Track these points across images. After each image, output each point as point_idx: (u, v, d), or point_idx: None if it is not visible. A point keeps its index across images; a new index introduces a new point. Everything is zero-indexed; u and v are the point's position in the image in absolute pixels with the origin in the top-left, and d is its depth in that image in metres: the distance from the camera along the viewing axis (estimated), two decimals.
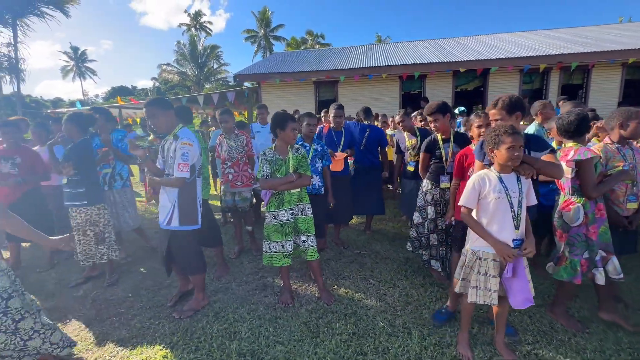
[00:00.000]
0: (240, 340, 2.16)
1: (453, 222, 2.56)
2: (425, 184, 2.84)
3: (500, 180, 1.73)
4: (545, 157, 1.84)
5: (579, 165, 2.05)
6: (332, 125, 3.63)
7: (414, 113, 4.00)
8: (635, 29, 11.42)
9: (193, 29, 35.93)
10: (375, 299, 2.60)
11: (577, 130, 2.14)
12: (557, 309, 2.28)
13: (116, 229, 3.25)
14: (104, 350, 2.15)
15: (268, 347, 2.09)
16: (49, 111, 14.79)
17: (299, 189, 2.51)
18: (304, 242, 2.56)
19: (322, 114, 5.58)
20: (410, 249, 3.02)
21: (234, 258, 3.48)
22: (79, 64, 41.77)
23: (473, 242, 1.85)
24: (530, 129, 3.16)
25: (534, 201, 1.78)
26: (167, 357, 2.05)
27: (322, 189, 2.92)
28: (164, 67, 33.59)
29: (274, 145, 2.52)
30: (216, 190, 5.95)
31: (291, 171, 2.44)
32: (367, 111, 4.22)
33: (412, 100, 10.00)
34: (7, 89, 20.48)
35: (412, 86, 10.14)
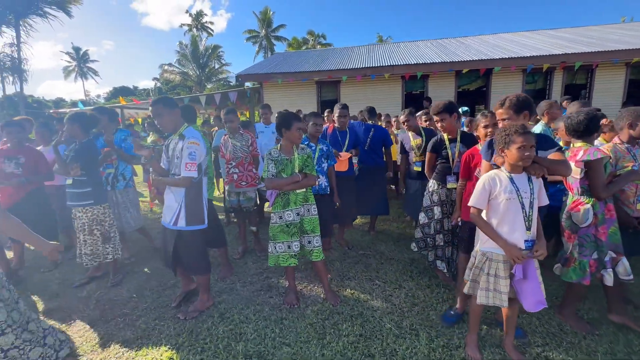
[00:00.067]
0: (247, 341, 2.14)
1: (459, 223, 2.54)
2: (432, 184, 2.81)
3: (511, 180, 1.71)
4: (552, 155, 1.82)
5: (589, 166, 2.03)
6: (336, 125, 3.61)
7: (419, 113, 3.97)
8: (639, 28, 11.36)
9: (194, 29, 35.98)
10: (382, 300, 2.58)
11: (587, 130, 2.11)
12: (566, 311, 2.25)
13: (118, 230, 3.24)
14: (109, 351, 2.13)
15: (274, 348, 2.07)
16: (51, 111, 14.83)
17: (304, 189, 2.50)
18: (309, 242, 2.54)
19: (326, 114, 5.57)
20: (416, 249, 3.00)
21: (238, 259, 3.47)
22: (80, 64, 41.86)
23: (483, 243, 1.83)
24: (537, 129, 3.13)
25: (545, 201, 1.76)
26: (173, 359, 2.03)
27: (328, 189, 2.90)
28: (166, 67, 33.66)
29: (279, 145, 2.51)
30: (219, 190, 5.94)
31: (297, 171, 2.43)
32: (371, 111, 4.21)
33: (414, 100, 9.97)
34: (10, 89, 20.55)
35: (414, 86, 10.11)
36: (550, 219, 2.48)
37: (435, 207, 2.78)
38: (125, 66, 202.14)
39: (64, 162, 2.78)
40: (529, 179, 1.73)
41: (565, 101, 5.55)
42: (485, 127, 2.37)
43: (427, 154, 2.87)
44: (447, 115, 2.66)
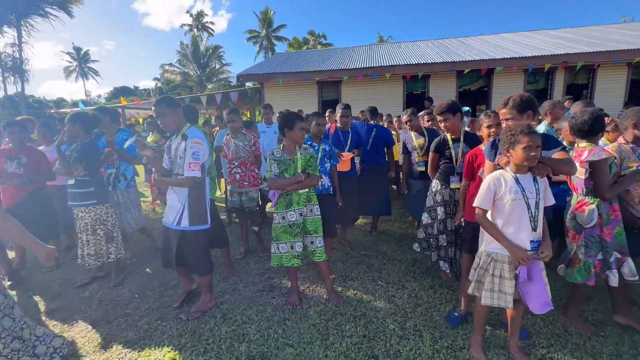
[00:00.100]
0: (249, 342, 2.13)
1: (463, 223, 2.53)
2: (435, 184, 2.80)
3: (517, 180, 1.70)
4: (556, 154, 1.81)
5: (593, 166, 2.02)
6: (338, 125, 3.60)
7: (421, 113, 3.96)
8: None
9: (195, 30, 35.99)
10: (385, 301, 2.57)
11: (591, 129, 2.10)
12: (570, 312, 2.24)
13: (119, 230, 3.23)
14: (112, 352, 2.13)
15: (277, 349, 2.06)
16: (52, 111, 14.83)
17: (307, 189, 2.49)
18: (312, 243, 2.53)
19: (327, 114, 5.56)
20: (418, 249, 2.99)
21: (239, 259, 3.46)
22: (81, 64, 41.90)
23: (488, 244, 1.82)
24: (540, 129, 3.12)
25: (551, 201, 1.74)
26: None
27: (331, 189, 2.90)
28: (166, 67, 33.65)
29: (282, 145, 2.50)
30: (220, 190, 5.93)
31: (299, 171, 2.42)
32: (373, 111, 4.20)
33: (415, 101, 9.96)
34: (11, 89, 20.58)
35: (415, 86, 10.10)
36: (554, 220, 2.47)
37: (438, 208, 2.77)
38: (125, 66, 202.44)
39: (67, 162, 2.77)
40: (535, 179, 1.72)
41: (567, 101, 5.53)
42: (489, 127, 2.36)
43: (430, 154, 2.86)
44: (450, 115, 2.65)
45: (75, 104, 32.48)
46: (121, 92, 46.24)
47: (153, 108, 2.28)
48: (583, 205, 2.10)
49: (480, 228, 2.09)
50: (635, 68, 8.80)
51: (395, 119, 6.06)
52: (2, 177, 3.05)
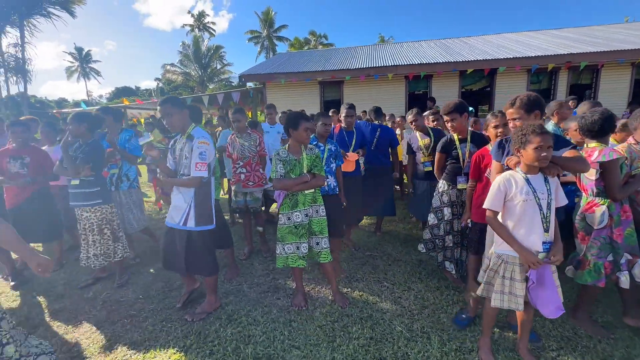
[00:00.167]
0: (255, 344, 2.11)
1: (469, 224, 2.51)
2: (442, 184, 2.78)
3: (528, 181, 1.67)
4: (567, 153, 1.78)
5: (604, 167, 1.99)
6: (343, 125, 3.58)
7: (426, 113, 3.93)
8: None
9: (196, 30, 36.03)
10: (391, 302, 2.55)
11: (601, 130, 2.07)
12: (579, 314, 2.21)
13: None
14: (116, 353, 2.11)
15: (284, 351, 2.04)
16: (54, 111, 14.85)
17: (312, 190, 2.47)
18: (317, 244, 2.51)
19: (330, 114, 5.54)
20: (424, 250, 2.97)
21: (243, 259, 3.44)
22: (83, 64, 41.96)
23: (498, 245, 1.79)
24: (547, 129, 3.09)
25: (564, 201, 1.72)
26: None
27: (337, 189, 2.88)
28: (168, 67, 33.68)
29: (287, 145, 2.48)
30: (223, 190, 5.92)
31: (305, 171, 2.40)
32: (377, 111, 4.17)
33: (418, 101, 9.93)
34: (13, 90, 20.62)
35: (418, 86, 10.06)
36: (565, 220, 2.44)
37: (445, 208, 2.75)
38: (127, 66, 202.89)
39: (74, 163, 2.74)
40: (546, 179, 1.69)
41: (570, 101, 5.50)
42: (496, 127, 2.34)
43: (437, 154, 2.83)
44: (457, 115, 2.62)
45: (77, 104, 32.57)
46: (123, 92, 46.33)
47: (159, 108, 2.26)
48: (593, 206, 2.08)
49: (489, 229, 2.08)
50: (639, 68, 8.75)
51: (398, 119, 6.04)
52: (6, 177, 3.04)
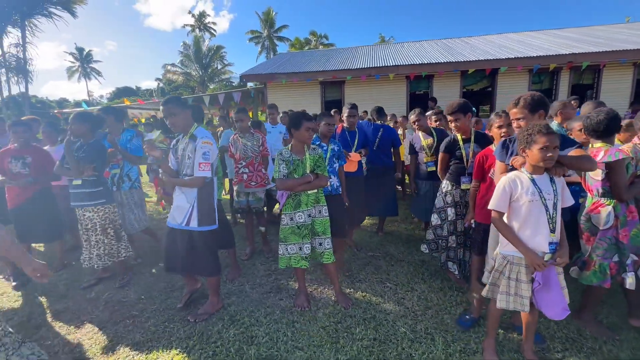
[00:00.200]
0: (258, 345, 2.10)
1: (473, 225, 2.49)
2: (445, 184, 2.77)
3: (533, 182, 1.66)
4: (574, 152, 1.77)
5: (610, 167, 1.98)
6: (345, 125, 3.57)
7: (429, 112, 3.92)
8: None
9: (197, 30, 36.03)
10: (394, 303, 2.54)
11: (607, 130, 2.06)
12: (584, 315, 2.20)
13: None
14: (119, 354, 2.10)
15: (287, 352, 2.03)
16: (55, 112, 14.86)
17: (315, 190, 2.45)
18: (320, 244, 2.50)
19: (332, 114, 5.52)
20: (426, 251, 2.95)
21: (245, 260, 3.43)
22: (84, 64, 41.97)
23: (503, 246, 1.78)
24: None
25: (570, 201, 1.70)
26: None
27: (340, 189, 2.87)
28: (169, 67, 33.70)
29: (290, 145, 2.47)
30: (225, 190, 5.91)
31: (308, 171, 2.39)
32: (379, 111, 4.16)
33: (419, 101, 9.92)
34: (15, 90, 20.64)
35: (419, 86, 10.05)
36: (571, 221, 2.42)
37: (448, 209, 2.73)
38: (128, 67, 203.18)
39: (77, 163, 2.73)
40: (552, 180, 1.68)
41: (572, 101, 5.48)
42: (499, 127, 2.32)
43: (440, 154, 2.82)
44: (461, 115, 2.61)
45: (77, 104, 32.56)
46: (123, 92, 46.34)
47: (161, 108, 2.25)
48: (598, 206, 2.06)
49: (492, 229, 2.06)
50: None
51: (400, 119, 6.03)
52: (8, 177, 3.03)
